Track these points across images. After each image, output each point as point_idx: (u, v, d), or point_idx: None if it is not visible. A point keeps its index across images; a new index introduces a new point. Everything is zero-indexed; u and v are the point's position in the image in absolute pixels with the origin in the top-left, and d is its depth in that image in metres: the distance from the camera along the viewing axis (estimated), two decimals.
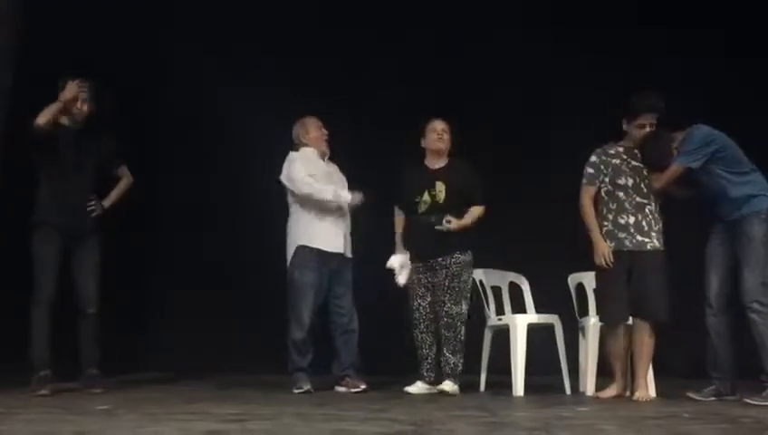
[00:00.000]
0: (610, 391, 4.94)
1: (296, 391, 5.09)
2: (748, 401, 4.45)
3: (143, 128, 6.94)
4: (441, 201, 5.19)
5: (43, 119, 4.94)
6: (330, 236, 5.32)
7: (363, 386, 5.22)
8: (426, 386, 5.22)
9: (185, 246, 7.11)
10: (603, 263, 4.84)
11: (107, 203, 5.29)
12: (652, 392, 4.91)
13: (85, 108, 5.17)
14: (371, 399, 4.77)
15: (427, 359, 5.26)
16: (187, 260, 7.07)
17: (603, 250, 4.84)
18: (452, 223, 5.13)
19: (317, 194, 5.27)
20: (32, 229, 5.04)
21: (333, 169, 5.53)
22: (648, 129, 4.87)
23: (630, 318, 4.91)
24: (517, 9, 6.65)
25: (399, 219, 5.42)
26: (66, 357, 5.05)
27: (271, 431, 3.26)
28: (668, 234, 4.96)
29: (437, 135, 5.29)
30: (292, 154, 5.40)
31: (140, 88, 6.86)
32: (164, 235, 7.18)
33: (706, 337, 4.76)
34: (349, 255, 5.43)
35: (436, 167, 5.30)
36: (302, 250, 5.28)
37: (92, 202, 5.18)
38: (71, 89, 5.06)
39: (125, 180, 5.40)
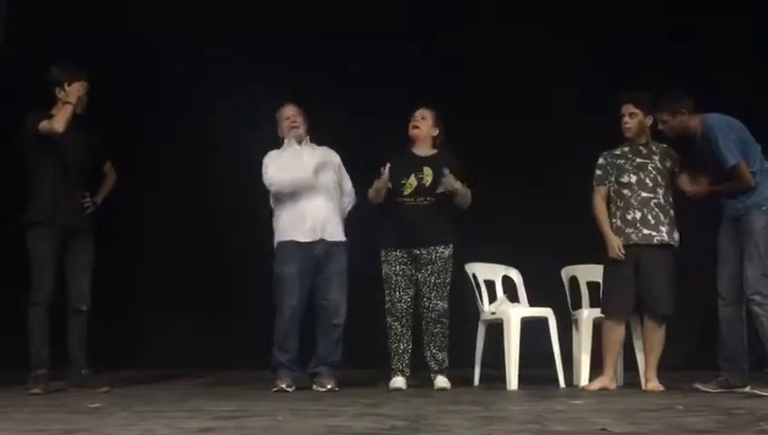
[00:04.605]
0: (598, 383, 4.98)
1: (273, 389, 4.93)
2: (758, 392, 4.46)
3: (134, 125, 6.89)
4: (427, 184, 5.16)
5: (62, 126, 4.85)
6: (305, 226, 5.12)
7: (329, 386, 4.96)
8: (404, 380, 5.13)
9: (179, 243, 7.07)
10: (617, 255, 4.94)
11: (98, 199, 5.24)
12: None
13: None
14: (363, 394, 4.75)
15: (405, 353, 5.16)
16: (181, 257, 7.03)
17: (615, 244, 4.97)
18: (448, 177, 5.05)
19: (283, 189, 5.16)
20: (27, 227, 4.96)
21: (309, 150, 5.26)
22: (625, 118, 4.99)
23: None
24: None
25: None
26: (62, 355, 5.02)
27: (265, 428, 3.24)
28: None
29: (413, 122, 5.31)
30: (268, 154, 5.27)
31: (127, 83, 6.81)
32: (158, 232, 7.13)
33: (718, 328, 4.77)
34: (334, 238, 5.18)
35: (426, 154, 5.28)
36: (282, 245, 5.17)
37: (87, 199, 5.13)
38: (78, 88, 4.99)
39: (110, 178, 5.34)
